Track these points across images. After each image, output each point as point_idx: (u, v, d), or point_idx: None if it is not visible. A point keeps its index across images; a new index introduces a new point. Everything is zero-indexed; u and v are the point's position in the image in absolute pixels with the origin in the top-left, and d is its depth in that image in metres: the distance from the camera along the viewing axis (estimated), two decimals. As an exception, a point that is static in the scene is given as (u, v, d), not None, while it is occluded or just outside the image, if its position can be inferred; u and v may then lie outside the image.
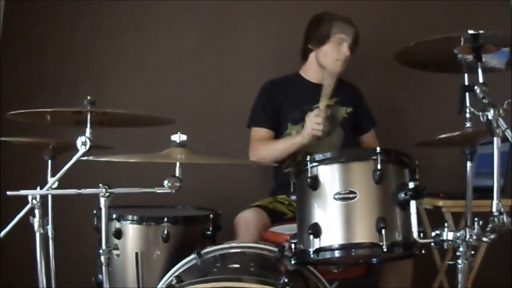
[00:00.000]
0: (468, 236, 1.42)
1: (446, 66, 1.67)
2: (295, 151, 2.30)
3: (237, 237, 2.05)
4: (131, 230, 1.87)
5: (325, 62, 2.38)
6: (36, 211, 1.58)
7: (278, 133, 2.44)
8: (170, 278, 1.63)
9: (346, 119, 2.45)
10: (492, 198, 1.41)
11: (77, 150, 1.55)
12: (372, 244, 1.45)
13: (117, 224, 1.85)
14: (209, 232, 1.93)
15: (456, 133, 1.60)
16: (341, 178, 1.53)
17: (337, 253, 1.50)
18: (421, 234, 1.48)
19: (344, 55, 2.34)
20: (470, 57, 1.54)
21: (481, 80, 1.50)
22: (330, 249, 1.49)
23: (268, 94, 2.46)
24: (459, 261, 1.46)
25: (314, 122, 2.15)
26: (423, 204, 2.44)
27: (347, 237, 1.48)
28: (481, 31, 1.46)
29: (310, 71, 2.47)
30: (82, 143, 1.55)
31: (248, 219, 2.09)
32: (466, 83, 1.57)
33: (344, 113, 2.45)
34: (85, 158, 1.56)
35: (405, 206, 1.49)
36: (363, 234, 1.48)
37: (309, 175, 1.53)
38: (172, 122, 1.78)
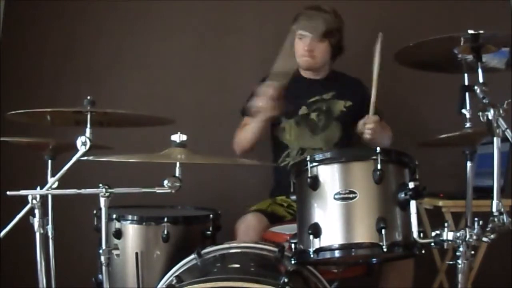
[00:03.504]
0: (468, 236, 1.42)
1: (446, 66, 1.68)
2: (288, 145, 2.38)
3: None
4: (131, 230, 1.87)
5: (297, 58, 2.39)
6: (36, 211, 1.59)
7: (273, 127, 2.44)
8: (170, 278, 1.63)
9: (344, 113, 2.42)
10: (492, 198, 1.41)
11: (77, 150, 1.55)
12: (372, 244, 1.45)
13: (117, 224, 1.85)
14: (209, 232, 1.93)
15: (456, 133, 1.60)
16: (341, 178, 1.53)
17: (337, 253, 1.50)
18: (421, 234, 1.48)
19: (304, 50, 2.34)
20: (470, 57, 1.54)
21: (481, 80, 1.50)
22: (330, 249, 1.49)
23: None
24: (459, 261, 1.46)
25: (260, 100, 2.15)
26: (423, 204, 2.44)
27: (347, 237, 1.48)
28: (481, 31, 1.46)
29: None
30: (82, 143, 1.55)
31: (249, 224, 2.09)
32: (466, 83, 1.57)
33: (342, 107, 2.42)
34: (85, 158, 1.56)
35: (405, 206, 1.49)
36: (363, 234, 1.48)
37: (309, 175, 1.53)
38: (172, 122, 1.78)
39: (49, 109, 1.61)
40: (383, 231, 1.43)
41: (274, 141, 2.48)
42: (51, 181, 1.59)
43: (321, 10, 2.34)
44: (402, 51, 1.61)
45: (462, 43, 1.51)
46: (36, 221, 1.60)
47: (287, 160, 2.39)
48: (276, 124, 2.42)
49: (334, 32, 2.35)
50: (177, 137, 1.64)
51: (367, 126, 2.16)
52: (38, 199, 1.56)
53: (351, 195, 1.48)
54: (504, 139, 1.43)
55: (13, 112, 1.65)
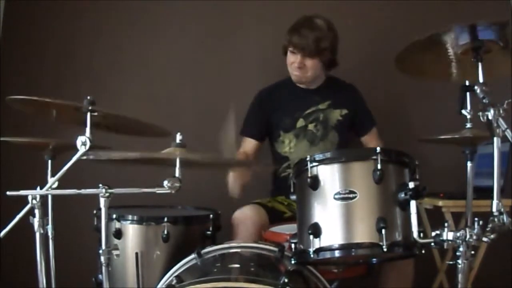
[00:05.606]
0: (468, 236, 1.42)
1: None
2: (289, 157, 2.39)
3: (235, 233, 2.06)
4: (131, 230, 1.87)
5: (289, 71, 2.39)
6: (36, 211, 1.58)
7: (272, 141, 2.47)
8: (170, 278, 1.63)
9: (340, 122, 2.42)
10: (492, 198, 1.40)
11: (77, 150, 1.55)
12: (372, 244, 1.45)
13: (117, 224, 1.85)
14: (209, 232, 1.93)
15: (456, 135, 1.60)
16: (341, 178, 1.53)
17: (337, 253, 1.50)
18: (421, 234, 1.48)
19: (295, 66, 2.32)
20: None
21: (481, 80, 1.50)
22: (330, 249, 1.49)
23: (260, 104, 2.47)
24: (459, 261, 1.46)
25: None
26: (423, 204, 2.44)
27: (347, 237, 1.48)
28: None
29: None
30: (82, 143, 1.55)
31: (246, 215, 2.09)
32: (466, 83, 1.57)
33: (338, 116, 2.43)
34: (85, 157, 1.56)
35: (405, 206, 1.49)
36: (363, 234, 1.48)
37: (309, 175, 1.53)
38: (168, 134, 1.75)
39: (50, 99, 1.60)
40: (383, 231, 1.43)
41: (274, 154, 2.49)
42: (51, 181, 1.58)
43: (313, 26, 2.28)
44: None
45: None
46: (36, 221, 1.59)
47: (288, 171, 2.39)
48: (275, 137, 2.44)
49: (325, 49, 2.30)
50: (177, 137, 1.64)
51: None
52: (38, 199, 1.56)
53: (351, 195, 1.48)
54: (504, 139, 1.43)
55: (16, 97, 1.62)
